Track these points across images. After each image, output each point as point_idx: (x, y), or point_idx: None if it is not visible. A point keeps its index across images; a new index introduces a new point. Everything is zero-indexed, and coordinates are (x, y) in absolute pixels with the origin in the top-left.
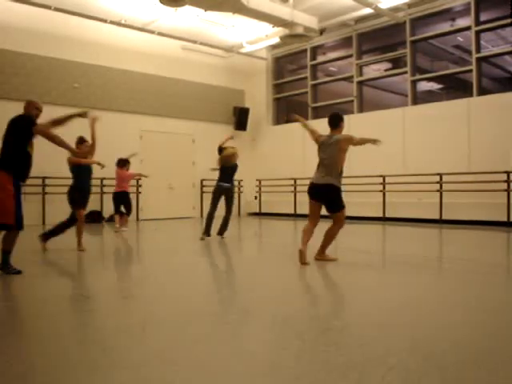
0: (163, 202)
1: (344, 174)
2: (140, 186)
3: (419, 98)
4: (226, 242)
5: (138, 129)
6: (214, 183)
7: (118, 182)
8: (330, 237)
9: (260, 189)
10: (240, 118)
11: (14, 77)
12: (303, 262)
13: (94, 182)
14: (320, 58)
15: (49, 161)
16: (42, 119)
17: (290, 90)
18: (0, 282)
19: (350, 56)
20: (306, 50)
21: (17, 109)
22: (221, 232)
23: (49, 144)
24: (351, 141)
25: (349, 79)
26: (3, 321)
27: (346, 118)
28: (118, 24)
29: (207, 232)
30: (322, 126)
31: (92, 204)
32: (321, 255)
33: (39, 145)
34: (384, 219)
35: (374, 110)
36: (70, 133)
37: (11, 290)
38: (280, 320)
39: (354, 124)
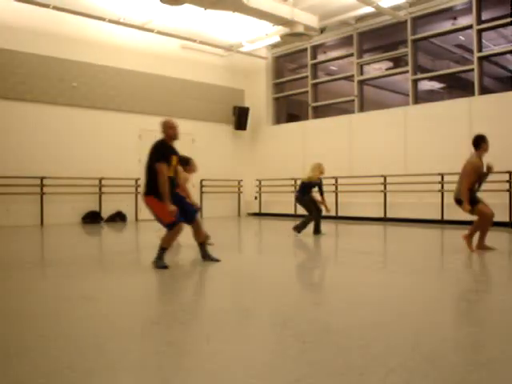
0: None
1: (345, 174)
2: (139, 186)
3: (420, 98)
4: (226, 242)
5: (137, 128)
6: (214, 183)
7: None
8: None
9: (260, 189)
10: (240, 118)
11: (12, 76)
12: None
13: (93, 182)
14: (320, 57)
15: (48, 161)
16: (41, 118)
17: (291, 89)
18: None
19: (351, 55)
20: (306, 49)
21: (15, 108)
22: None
23: (47, 143)
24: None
25: (349, 78)
26: (3, 321)
27: (346, 117)
28: (117, 23)
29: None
30: (322, 125)
31: (91, 204)
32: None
33: (37, 144)
34: (385, 219)
35: (375, 109)
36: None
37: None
38: (280, 321)
39: (355, 124)
